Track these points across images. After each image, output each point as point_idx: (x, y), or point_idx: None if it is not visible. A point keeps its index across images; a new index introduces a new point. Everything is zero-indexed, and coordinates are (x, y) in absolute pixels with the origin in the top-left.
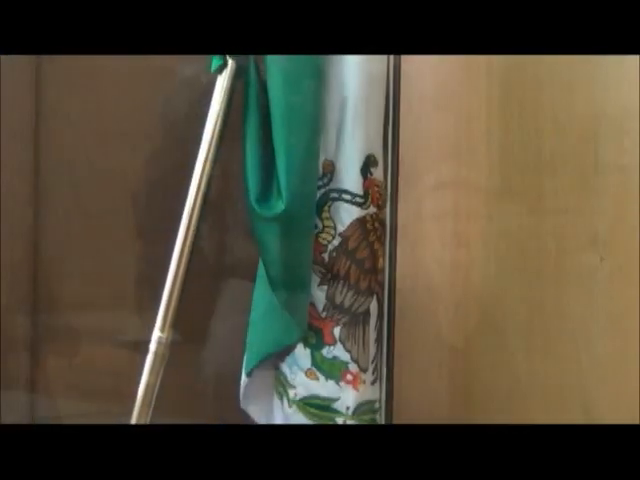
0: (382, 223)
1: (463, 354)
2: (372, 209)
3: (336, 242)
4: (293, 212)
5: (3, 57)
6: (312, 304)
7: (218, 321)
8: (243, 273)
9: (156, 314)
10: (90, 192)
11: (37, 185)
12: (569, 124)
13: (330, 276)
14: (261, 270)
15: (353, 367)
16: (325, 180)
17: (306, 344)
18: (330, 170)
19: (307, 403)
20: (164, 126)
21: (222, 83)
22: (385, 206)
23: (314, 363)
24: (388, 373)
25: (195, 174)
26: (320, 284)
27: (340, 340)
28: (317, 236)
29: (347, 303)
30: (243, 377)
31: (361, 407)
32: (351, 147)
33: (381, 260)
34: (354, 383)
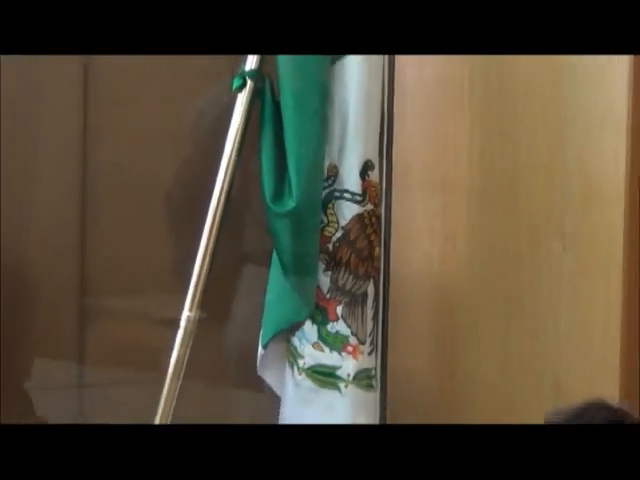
0: (378, 218)
1: (448, 330)
2: (369, 206)
3: (339, 234)
4: (302, 209)
5: (50, 61)
6: (318, 287)
7: (238, 302)
8: (259, 260)
9: (186, 296)
10: (131, 190)
11: (85, 181)
12: (541, 135)
13: (334, 263)
14: (275, 258)
15: (353, 340)
16: (330, 181)
17: (313, 321)
18: (334, 173)
19: (314, 371)
20: (194, 135)
21: (242, 101)
22: (380, 204)
23: (320, 337)
24: (383, 345)
25: (219, 177)
26: (325, 270)
27: (342, 317)
28: (323, 229)
29: (348, 286)
30: (259, 349)
31: (360, 374)
32: (352, 153)
33: (377, 249)
34: (354, 354)
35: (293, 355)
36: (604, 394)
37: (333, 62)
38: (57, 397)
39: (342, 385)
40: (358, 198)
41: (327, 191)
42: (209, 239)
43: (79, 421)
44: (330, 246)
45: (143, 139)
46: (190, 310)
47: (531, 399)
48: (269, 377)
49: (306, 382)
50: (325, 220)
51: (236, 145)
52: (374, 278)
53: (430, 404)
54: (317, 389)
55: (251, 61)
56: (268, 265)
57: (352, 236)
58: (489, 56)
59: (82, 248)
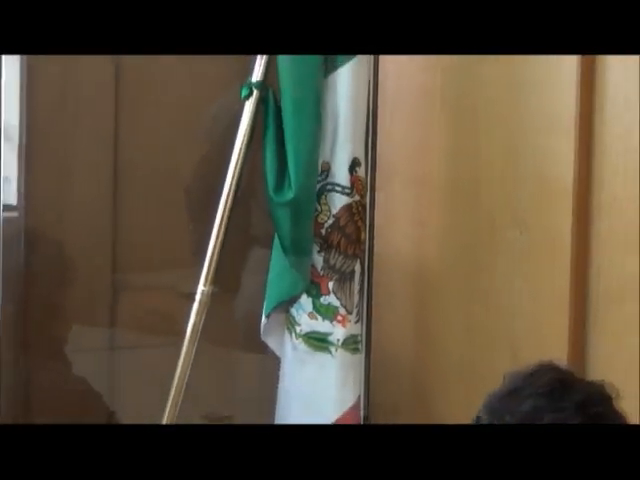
0: (364, 207)
1: (421, 302)
2: (356, 197)
3: (330, 221)
4: (300, 199)
5: (84, 60)
6: (313, 265)
7: (245, 278)
8: (263, 243)
9: (201, 273)
10: (156, 180)
11: (116, 172)
12: (500, 137)
13: (326, 245)
14: (276, 241)
15: (342, 311)
16: (323, 176)
17: (308, 294)
18: (326, 169)
19: (309, 336)
20: (209, 135)
21: (249, 107)
22: (366, 195)
23: (314, 308)
24: (367, 315)
25: (230, 171)
26: (319, 251)
27: (333, 291)
28: (317, 217)
29: (338, 265)
30: (263, 318)
31: (348, 339)
32: (342, 152)
33: (363, 234)
34: (343, 322)
35: (291, 323)
36: (553, 357)
37: (326, 75)
38: (91, 358)
39: (333, 349)
40: (347, 190)
41: (321, 184)
42: (221, 224)
43: (109, 379)
44: (323, 231)
45: (167, 135)
46: (204, 285)
47: (490, 362)
48: (271, 342)
49: (302, 346)
50: (319, 209)
51: (244, 144)
52: (360, 258)
53: (406, 366)
54: (312, 352)
55: (257, 73)
56: (270, 247)
57: (342, 222)
58: (458, 69)
59: (114, 231)
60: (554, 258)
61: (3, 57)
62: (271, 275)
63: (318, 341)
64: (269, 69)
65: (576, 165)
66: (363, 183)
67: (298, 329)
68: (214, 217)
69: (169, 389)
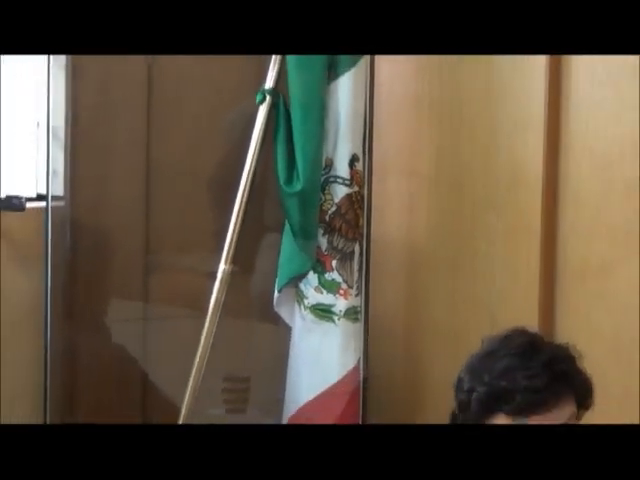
0: (362, 197)
1: (412, 278)
2: (356, 188)
3: (333, 209)
4: (306, 190)
5: (120, 64)
6: (318, 246)
7: (260, 258)
8: (275, 228)
9: (222, 254)
10: (184, 171)
11: (149, 164)
12: (480, 135)
13: (329, 229)
14: (286, 226)
15: (344, 285)
16: (326, 170)
17: (314, 271)
18: (329, 164)
19: (315, 308)
20: (229, 134)
21: (262, 110)
22: (364, 186)
23: (320, 283)
24: (366, 289)
25: (246, 165)
26: (323, 234)
27: (336, 269)
28: (321, 205)
29: (340, 246)
30: (276, 292)
31: (349, 310)
32: (342, 149)
33: (361, 220)
34: (344, 295)
35: (300, 296)
36: (525, 324)
37: (329, 82)
38: (127, 327)
39: (336, 318)
40: (347, 182)
41: (324, 177)
42: (238, 212)
43: (143, 345)
44: (327, 217)
45: (193, 133)
46: (225, 264)
47: (472, 329)
48: (283, 312)
49: (310, 316)
50: (323, 198)
51: (258, 142)
52: (359, 240)
53: (399, 332)
54: (318, 321)
55: (269, 81)
56: (281, 231)
57: (343, 210)
58: (442, 77)
59: (146, 218)
60: (526, 240)
61: (52, 65)
62: (282, 255)
63: (323, 312)
64: (280, 78)
65: (545, 159)
66: (361, 176)
67: (306, 301)
68: (232, 206)
69: (195, 354)
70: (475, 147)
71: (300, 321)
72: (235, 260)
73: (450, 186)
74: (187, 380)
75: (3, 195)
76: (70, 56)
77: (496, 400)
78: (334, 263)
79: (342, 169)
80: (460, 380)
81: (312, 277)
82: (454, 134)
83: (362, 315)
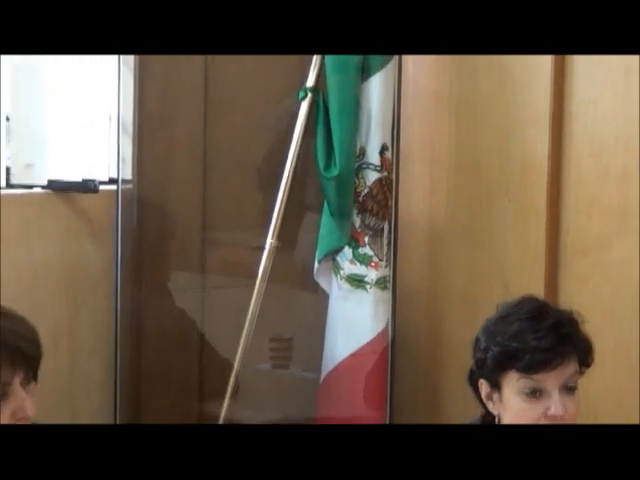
0: (391, 181)
1: (434, 252)
2: (385, 173)
3: (366, 191)
4: (343, 175)
5: (179, 61)
6: (353, 224)
7: (302, 234)
8: (315, 208)
9: (269, 230)
10: (237, 157)
11: (205, 152)
12: (494, 127)
13: (362, 209)
14: (325, 206)
15: (375, 258)
16: (360, 157)
17: (349, 246)
18: (362, 152)
19: (350, 278)
20: (276, 127)
21: (304, 106)
22: (392, 172)
23: (354, 256)
24: (394, 261)
25: (290, 153)
26: (357, 214)
27: (368, 244)
28: (355, 188)
29: (372, 224)
30: (316, 263)
31: (379, 280)
32: (374, 140)
33: (390, 201)
34: (375, 267)
35: (336, 268)
36: (534, 292)
37: (362, 81)
38: (186, 295)
39: (368, 287)
40: (378, 168)
41: (358, 164)
42: (283, 194)
43: (200, 310)
44: (360, 199)
45: (244, 125)
46: (271, 239)
47: (486, 296)
48: (322, 281)
49: (345, 285)
50: (357, 182)
51: (300, 134)
52: (388, 219)
53: (422, 299)
54: (352, 289)
55: (310, 80)
56: (320, 211)
57: (374, 192)
58: (461, 76)
59: (203, 199)
60: (534, 218)
61: (121, 66)
62: (321, 232)
63: (357, 281)
64: (319, 77)
65: (550, 149)
66: (390, 163)
67: (342, 272)
68: (278, 189)
69: (245, 318)
70: (489, 138)
71: (336, 289)
72: (280, 236)
73: (467, 172)
74: (239, 340)
75: (80, 179)
76: (138, 58)
77: (508, 359)
78: (366, 239)
79: (373, 157)
80: (477, 340)
81: (347, 251)
82: (471, 127)
83: (390, 284)
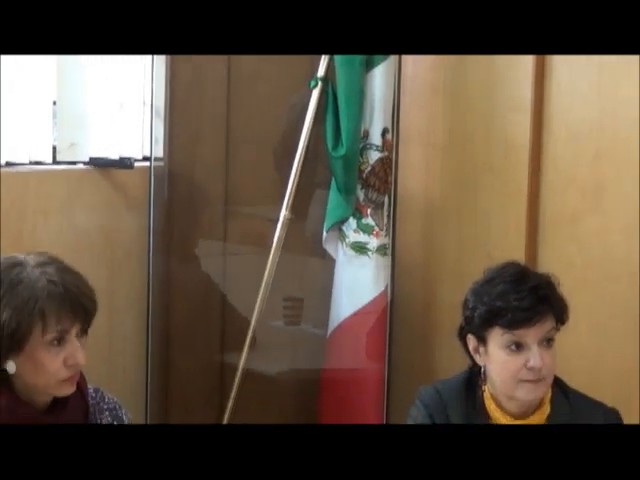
0: (391, 160)
1: (429, 222)
2: (386, 153)
3: (369, 168)
4: (349, 154)
5: (200, 59)
6: (357, 198)
7: (312, 206)
8: (323, 184)
9: (282, 203)
10: (256, 141)
11: (228, 139)
12: (480, 114)
13: (366, 185)
14: (332, 182)
15: (376, 228)
16: (364, 139)
17: (354, 217)
18: (366, 134)
19: (354, 245)
20: (292, 112)
21: (315, 94)
22: (392, 152)
23: (358, 226)
24: (393, 231)
25: (302, 135)
26: (361, 189)
27: (370, 215)
28: (360, 166)
29: (374, 197)
30: (324, 232)
31: (380, 247)
32: (376, 123)
33: (390, 177)
34: (377, 236)
35: (342, 236)
36: (516, 259)
37: (366, 73)
38: (210, 261)
39: (370, 253)
40: (380, 149)
41: (362, 144)
42: (296, 172)
43: (222, 274)
44: (364, 175)
45: (263, 108)
46: (285, 211)
47: (473, 262)
48: (329, 248)
49: (350, 251)
50: (361, 161)
51: (312, 117)
52: (388, 194)
53: (418, 265)
54: (356, 255)
55: (320, 71)
56: (329, 186)
57: (376, 170)
58: (453, 69)
59: (225, 177)
60: (516, 195)
61: (155, 57)
62: (329, 204)
63: (360, 248)
64: (329, 68)
65: (531, 133)
66: (390, 144)
67: (347, 240)
68: (291, 167)
69: (261, 281)
70: (477, 123)
71: (342, 255)
72: (293, 209)
73: (458, 153)
74: (256, 300)
75: (117, 156)
76: None
77: (494, 316)
78: (369, 211)
79: (376, 138)
80: (466, 301)
81: (352, 221)
82: (461, 113)
83: (390, 251)
